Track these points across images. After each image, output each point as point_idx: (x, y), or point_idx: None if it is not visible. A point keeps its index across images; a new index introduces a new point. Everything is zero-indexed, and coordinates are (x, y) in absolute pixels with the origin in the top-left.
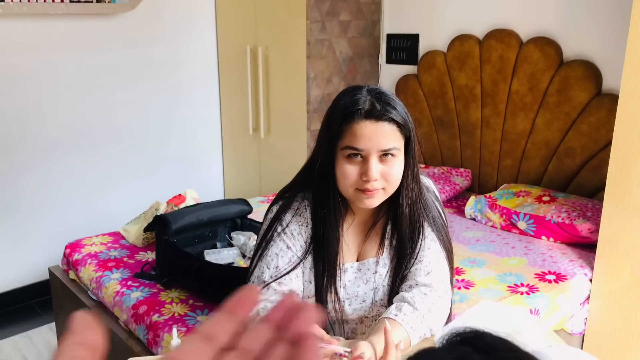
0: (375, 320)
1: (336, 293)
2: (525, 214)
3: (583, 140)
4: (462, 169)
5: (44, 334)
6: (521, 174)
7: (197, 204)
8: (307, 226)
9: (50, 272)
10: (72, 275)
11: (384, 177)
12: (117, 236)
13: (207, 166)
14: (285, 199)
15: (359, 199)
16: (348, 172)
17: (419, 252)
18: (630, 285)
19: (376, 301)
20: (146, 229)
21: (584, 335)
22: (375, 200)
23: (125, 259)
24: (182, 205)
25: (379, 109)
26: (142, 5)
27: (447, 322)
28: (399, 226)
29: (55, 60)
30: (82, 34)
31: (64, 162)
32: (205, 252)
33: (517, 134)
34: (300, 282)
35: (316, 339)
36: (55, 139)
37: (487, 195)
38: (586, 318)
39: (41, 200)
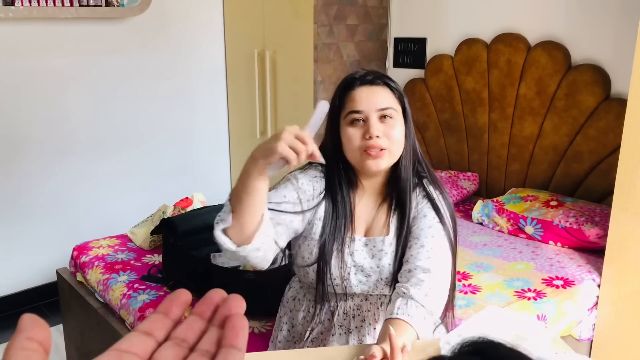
0: (380, 299)
1: (342, 258)
2: (532, 219)
3: (591, 144)
4: (469, 173)
5: (52, 336)
6: (529, 179)
7: (204, 207)
8: (320, 179)
9: (58, 274)
10: (79, 277)
11: (386, 136)
12: (124, 239)
13: (214, 169)
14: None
15: (366, 162)
16: (352, 134)
17: (416, 227)
18: (639, 291)
19: (381, 279)
20: (153, 232)
21: (592, 341)
22: (382, 161)
23: (132, 262)
24: (189, 209)
25: (373, 76)
26: (151, 9)
27: (452, 328)
28: (400, 197)
29: (63, 64)
30: (91, 38)
31: (71, 165)
32: (212, 255)
33: (525, 138)
34: (287, 234)
35: (241, 317)
36: (62, 142)
37: (495, 199)
38: (594, 324)
39: (49, 203)
